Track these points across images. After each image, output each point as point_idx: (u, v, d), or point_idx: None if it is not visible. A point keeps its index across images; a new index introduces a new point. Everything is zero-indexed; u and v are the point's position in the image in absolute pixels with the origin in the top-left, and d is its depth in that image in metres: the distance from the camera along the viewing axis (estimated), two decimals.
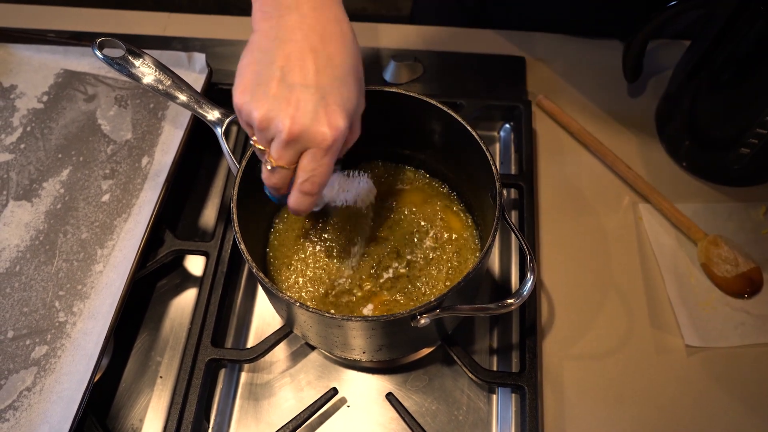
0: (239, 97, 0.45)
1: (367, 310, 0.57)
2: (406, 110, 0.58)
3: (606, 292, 0.65)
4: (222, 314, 0.62)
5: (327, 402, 0.58)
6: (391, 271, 0.59)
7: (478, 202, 0.60)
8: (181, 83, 0.58)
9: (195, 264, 0.68)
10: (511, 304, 0.48)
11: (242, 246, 0.49)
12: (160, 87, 0.57)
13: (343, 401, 0.59)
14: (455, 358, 0.58)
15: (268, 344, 0.59)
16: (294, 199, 0.47)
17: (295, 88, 0.43)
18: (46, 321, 0.59)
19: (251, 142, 0.48)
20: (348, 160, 0.66)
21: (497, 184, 0.51)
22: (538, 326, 0.61)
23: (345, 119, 0.44)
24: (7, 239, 0.64)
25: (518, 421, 0.57)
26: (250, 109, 0.44)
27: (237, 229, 0.50)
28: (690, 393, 0.59)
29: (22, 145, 0.71)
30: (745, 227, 0.68)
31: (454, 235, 0.61)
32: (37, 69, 0.77)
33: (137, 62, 0.57)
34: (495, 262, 0.68)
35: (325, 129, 0.43)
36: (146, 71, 0.57)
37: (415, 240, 0.61)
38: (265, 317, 0.65)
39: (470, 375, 0.58)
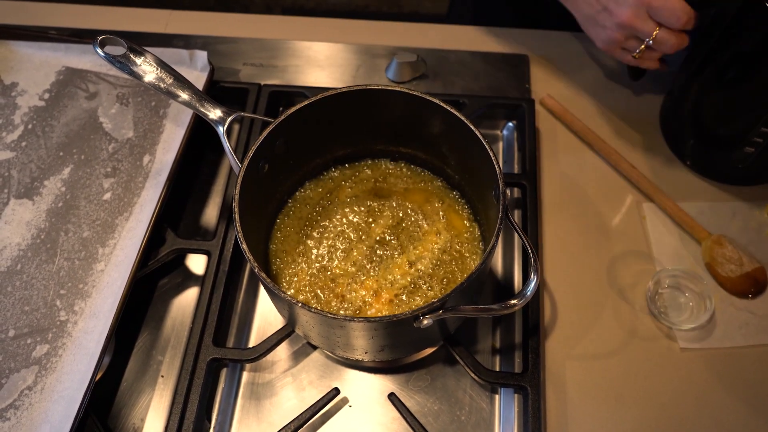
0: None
1: (370, 310, 0.57)
2: (409, 109, 0.58)
3: (609, 292, 0.65)
4: (223, 314, 0.61)
5: (329, 402, 0.57)
6: (393, 270, 0.59)
7: (481, 201, 0.60)
8: (182, 81, 0.58)
9: (196, 263, 0.68)
10: (514, 305, 0.48)
11: (244, 245, 0.49)
12: (162, 85, 0.57)
13: (345, 401, 0.59)
14: (458, 358, 0.58)
15: (270, 344, 0.59)
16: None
17: None
18: (48, 320, 0.59)
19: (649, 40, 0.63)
20: (350, 158, 0.66)
21: (500, 183, 0.51)
22: (541, 326, 0.61)
23: None
24: (9, 237, 0.64)
25: (521, 422, 0.57)
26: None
27: (239, 228, 0.49)
28: (693, 393, 0.59)
29: (24, 143, 0.71)
30: (749, 227, 0.68)
31: (456, 235, 0.61)
32: (38, 66, 0.77)
33: (138, 60, 0.57)
34: (498, 261, 0.68)
35: None
36: (148, 69, 0.57)
37: (418, 239, 0.61)
38: (266, 317, 0.65)
39: (473, 375, 0.58)
